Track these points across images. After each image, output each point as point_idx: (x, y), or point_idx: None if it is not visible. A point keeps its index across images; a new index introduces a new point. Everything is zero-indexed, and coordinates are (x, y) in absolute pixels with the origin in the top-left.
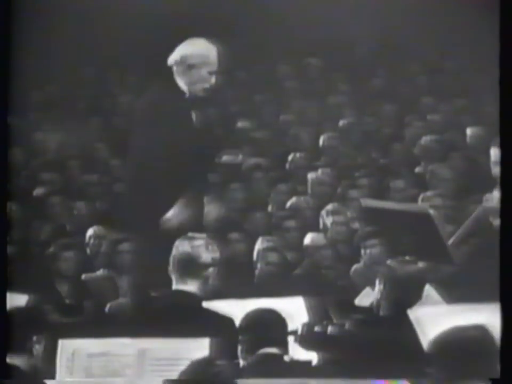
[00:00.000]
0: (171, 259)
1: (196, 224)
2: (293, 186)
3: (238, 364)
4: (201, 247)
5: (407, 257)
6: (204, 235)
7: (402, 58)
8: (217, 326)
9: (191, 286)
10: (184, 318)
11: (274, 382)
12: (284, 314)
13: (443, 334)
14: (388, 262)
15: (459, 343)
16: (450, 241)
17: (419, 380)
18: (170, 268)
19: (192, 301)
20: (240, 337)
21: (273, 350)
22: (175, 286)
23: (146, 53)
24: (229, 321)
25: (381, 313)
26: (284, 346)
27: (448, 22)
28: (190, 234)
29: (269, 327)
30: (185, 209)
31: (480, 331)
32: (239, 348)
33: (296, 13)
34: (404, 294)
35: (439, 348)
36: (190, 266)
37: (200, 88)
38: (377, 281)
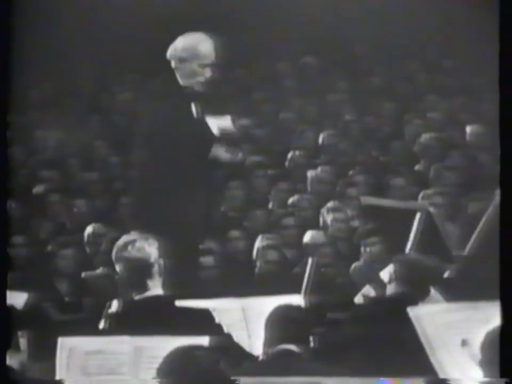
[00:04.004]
0: (121, 269)
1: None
2: (293, 184)
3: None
4: (145, 246)
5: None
6: (135, 234)
7: (402, 56)
8: (199, 321)
9: (157, 289)
10: (164, 318)
11: (272, 381)
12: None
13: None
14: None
15: None
16: (466, 251)
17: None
18: (122, 276)
19: (166, 301)
20: (265, 333)
21: (291, 347)
22: (142, 294)
23: (146, 50)
24: (207, 313)
25: (388, 292)
26: (304, 344)
27: (448, 20)
28: (124, 237)
29: (292, 324)
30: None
31: None
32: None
33: (296, 11)
34: (415, 279)
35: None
36: (145, 269)
37: (195, 82)
38: (390, 265)
